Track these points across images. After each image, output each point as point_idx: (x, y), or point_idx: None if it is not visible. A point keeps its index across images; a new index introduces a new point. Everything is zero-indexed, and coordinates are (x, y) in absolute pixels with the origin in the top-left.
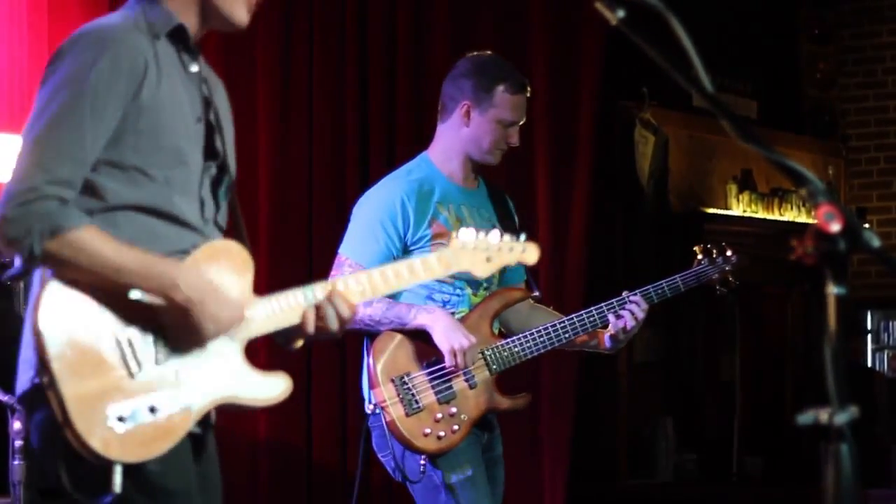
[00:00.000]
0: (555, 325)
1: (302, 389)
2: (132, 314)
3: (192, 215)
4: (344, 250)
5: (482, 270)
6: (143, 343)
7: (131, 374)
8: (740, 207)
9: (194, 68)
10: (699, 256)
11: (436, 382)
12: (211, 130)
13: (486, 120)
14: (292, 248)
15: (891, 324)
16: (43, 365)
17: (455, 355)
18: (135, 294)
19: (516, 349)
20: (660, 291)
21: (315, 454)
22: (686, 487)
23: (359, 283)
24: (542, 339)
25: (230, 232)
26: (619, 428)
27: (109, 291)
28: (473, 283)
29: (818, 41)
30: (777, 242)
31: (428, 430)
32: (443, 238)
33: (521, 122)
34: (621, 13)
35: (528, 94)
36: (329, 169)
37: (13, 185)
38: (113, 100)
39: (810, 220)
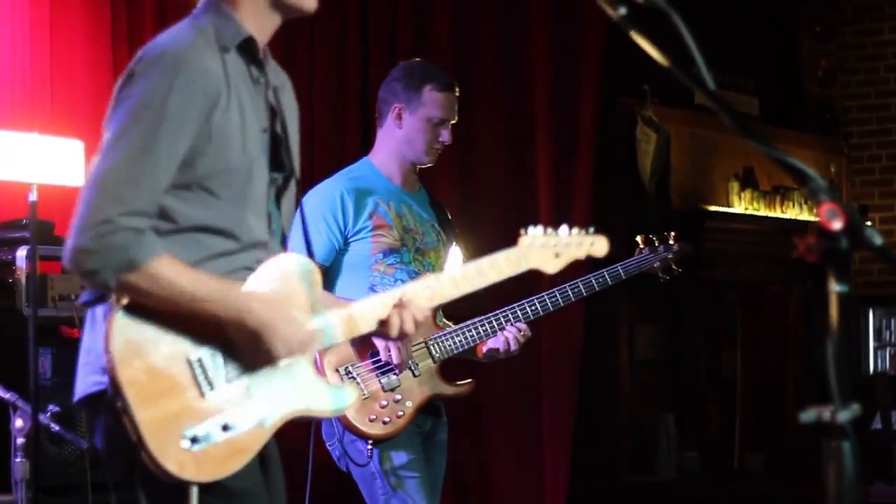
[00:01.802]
0: (496, 315)
1: None
2: (202, 336)
3: (259, 231)
4: (291, 246)
5: (552, 266)
6: (214, 363)
7: (203, 395)
8: (742, 205)
9: (261, 79)
10: (641, 246)
11: (380, 371)
12: (277, 141)
13: (416, 120)
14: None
15: (892, 321)
16: (116, 390)
17: (389, 350)
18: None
19: (458, 338)
20: (601, 280)
21: (319, 450)
22: (688, 485)
23: (427, 287)
24: (483, 328)
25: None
26: (620, 425)
27: (182, 317)
28: (415, 274)
29: (820, 39)
30: (779, 240)
31: (373, 416)
32: (383, 230)
33: (452, 121)
34: (623, 10)
35: (457, 94)
36: (331, 170)
37: (87, 215)
38: (187, 128)
39: (812, 218)
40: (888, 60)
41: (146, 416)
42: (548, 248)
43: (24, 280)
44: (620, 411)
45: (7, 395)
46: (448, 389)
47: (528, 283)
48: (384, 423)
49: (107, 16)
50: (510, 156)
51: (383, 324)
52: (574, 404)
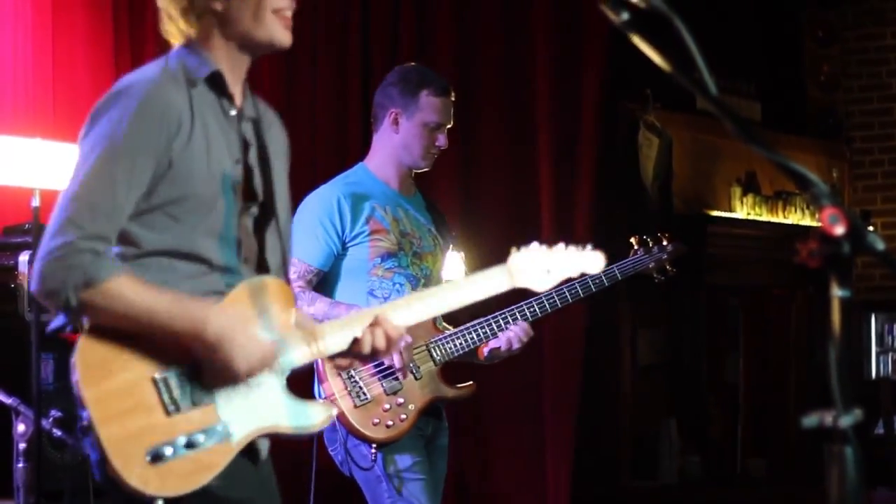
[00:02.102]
0: (496, 317)
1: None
2: (167, 356)
3: (225, 257)
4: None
5: (541, 285)
6: (179, 382)
7: (168, 413)
8: (744, 210)
9: (233, 112)
10: (635, 247)
11: (382, 375)
12: (249, 172)
13: (413, 125)
14: None
15: (895, 326)
16: (82, 409)
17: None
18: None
19: (459, 341)
20: (597, 281)
21: (322, 455)
22: (690, 489)
23: (407, 305)
24: (483, 331)
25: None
26: (622, 430)
27: (145, 335)
28: (413, 278)
29: (822, 43)
30: (781, 245)
31: (377, 420)
32: (380, 234)
33: (448, 125)
34: (625, 15)
35: (453, 98)
36: (333, 172)
37: (49, 241)
38: (145, 155)
39: (814, 223)
40: (891, 65)
41: (110, 433)
42: (537, 265)
43: (26, 285)
44: (622, 415)
45: (9, 401)
46: (449, 392)
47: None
48: (387, 426)
49: (109, 21)
50: (512, 160)
51: (356, 342)
52: (576, 408)
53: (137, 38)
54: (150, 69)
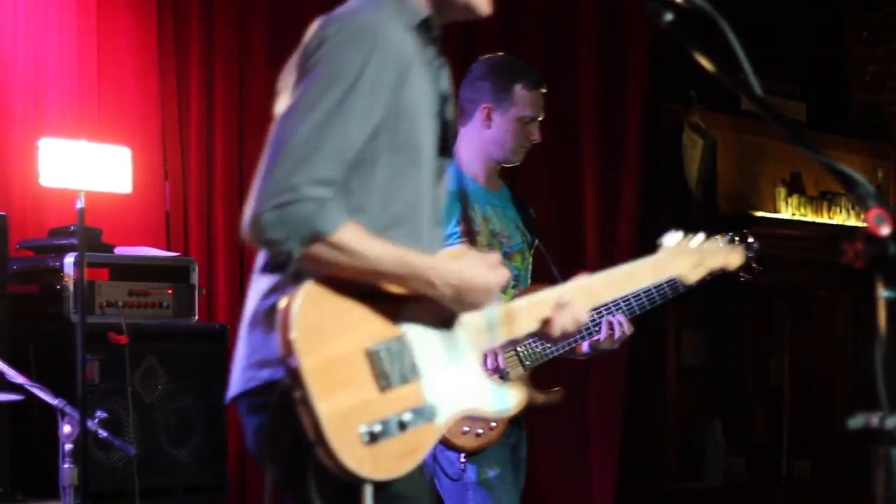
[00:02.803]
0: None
1: None
2: (383, 327)
3: (428, 219)
4: None
5: (693, 275)
6: (389, 357)
7: (381, 389)
8: (789, 211)
9: (435, 61)
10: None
11: None
12: (445, 127)
13: (507, 119)
14: None
15: None
16: (296, 380)
17: (496, 356)
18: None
19: (548, 345)
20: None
21: None
22: (735, 491)
23: (583, 289)
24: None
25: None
26: (667, 431)
27: (367, 291)
28: None
29: (867, 44)
30: (826, 246)
31: (466, 429)
32: (470, 236)
33: (540, 118)
34: (669, 16)
35: (545, 90)
36: None
37: (270, 184)
38: (380, 99)
39: (860, 224)
40: None
41: (327, 408)
42: (690, 256)
43: (71, 287)
44: (667, 417)
45: (55, 402)
46: (540, 397)
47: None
48: (477, 434)
49: (153, 23)
50: (556, 162)
51: (546, 323)
52: (620, 409)
53: (182, 40)
54: (371, 4)
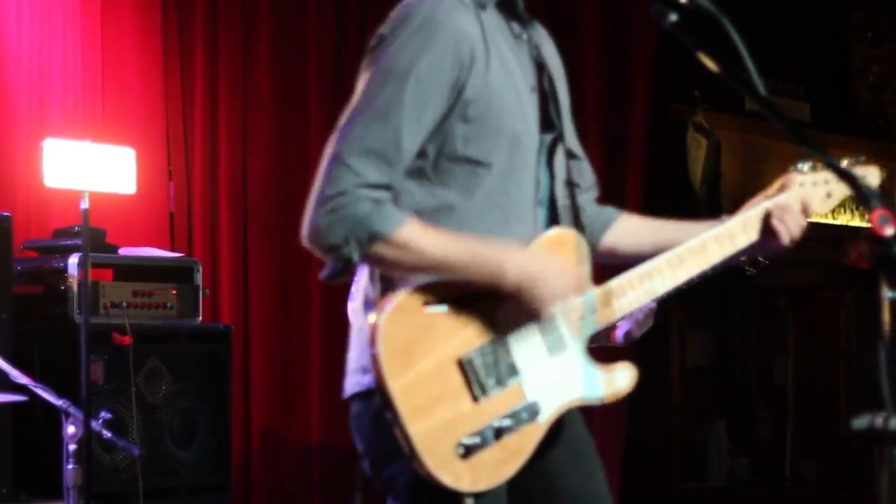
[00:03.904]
0: None
1: None
2: (476, 332)
3: (525, 203)
4: None
5: (824, 206)
6: (484, 363)
7: (475, 399)
8: None
9: (524, 35)
10: None
11: None
12: (545, 99)
13: None
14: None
15: None
16: (386, 401)
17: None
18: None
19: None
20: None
21: None
22: (739, 492)
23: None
24: None
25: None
26: (671, 432)
27: (454, 297)
28: None
29: (871, 44)
30: (831, 246)
31: None
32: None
33: None
34: (674, 16)
35: None
36: None
37: (323, 189)
38: (436, 95)
39: (864, 224)
40: None
41: (419, 428)
42: (820, 186)
43: (76, 287)
44: (671, 418)
45: (59, 402)
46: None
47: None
48: None
49: (158, 24)
50: None
51: (769, 233)
52: (625, 411)
53: (186, 41)
54: None
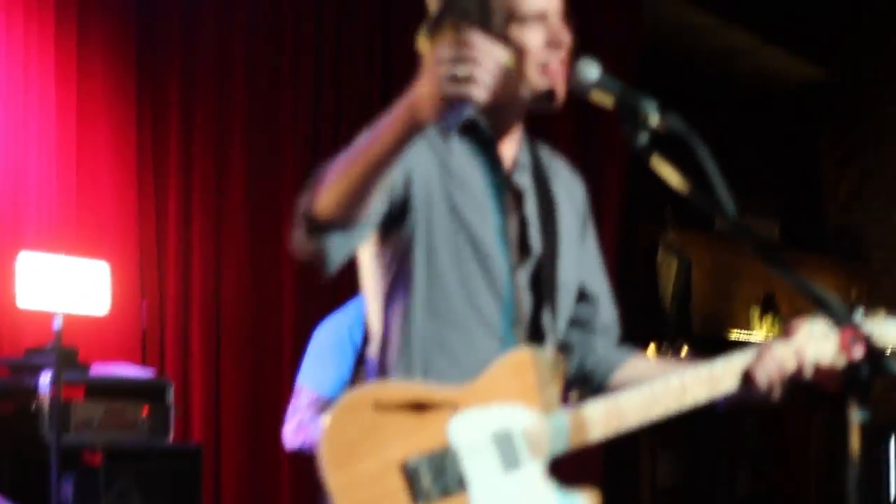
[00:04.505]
0: None
1: None
2: (427, 438)
3: (493, 318)
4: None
5: (834, 360)
6: (430, 471)
7: None
8: (764, 330)
9: (499, 160)
10: None
11: None
12: (524, 225)
13: None
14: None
15: None
16: (330, 495)
17: None
18: None
19: None
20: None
21: None
22: None
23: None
24: None
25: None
26: None
27: (410, 399)
28: None
29: (840, 163)
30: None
31: None
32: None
33: None
34: (644, 138)
35: None
36: None
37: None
38: (398, 181)
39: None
40: None
41: None
42: (831, 338)
43: (47, 406)
44: None
45: None
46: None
47: None
48: None
49: (132, 138)
50: None
51: (748, 380)
52: None
53: (160, 156)
54: None
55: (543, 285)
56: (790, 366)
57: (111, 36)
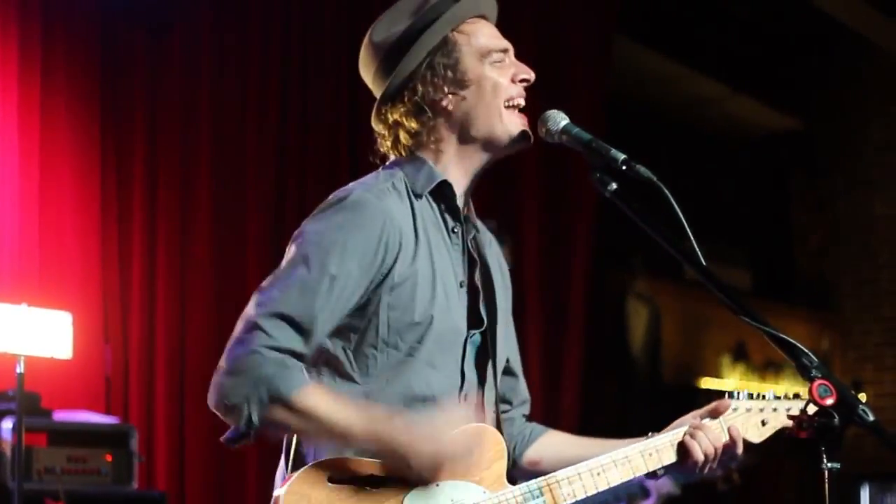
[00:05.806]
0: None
1: None
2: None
3: (442, 392)
4: None
5: (757, 435)
6: None
7: None
8: (734, 379)
9: (457, 227)
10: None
11: None
12: (475, 295)
13: None
14: None
15: (886, 498)
16: None
17: None
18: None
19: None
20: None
21: None
22: None
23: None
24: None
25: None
26: None
27: (363, 477)
28: None
29: (811, 211)
30: None
31: None
32: None
33: None
34: (613, 186)
35: None
36: None
37: (232, 349)
38: (358, 273)
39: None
40: (879, 234)
41: None
42: (754, 414)
43: (9, 453)
44: None
45: None
46: None
47: None
48: None
49: (96, 188)
50: None
51: (685, 454)
52: None
53: (124, 206)
54: (371, 178)
55: (488, 358)
56: (722, 440)
57: (75, 83)
